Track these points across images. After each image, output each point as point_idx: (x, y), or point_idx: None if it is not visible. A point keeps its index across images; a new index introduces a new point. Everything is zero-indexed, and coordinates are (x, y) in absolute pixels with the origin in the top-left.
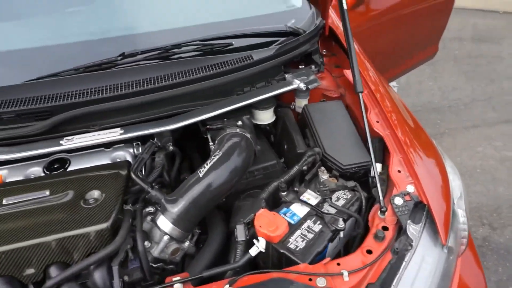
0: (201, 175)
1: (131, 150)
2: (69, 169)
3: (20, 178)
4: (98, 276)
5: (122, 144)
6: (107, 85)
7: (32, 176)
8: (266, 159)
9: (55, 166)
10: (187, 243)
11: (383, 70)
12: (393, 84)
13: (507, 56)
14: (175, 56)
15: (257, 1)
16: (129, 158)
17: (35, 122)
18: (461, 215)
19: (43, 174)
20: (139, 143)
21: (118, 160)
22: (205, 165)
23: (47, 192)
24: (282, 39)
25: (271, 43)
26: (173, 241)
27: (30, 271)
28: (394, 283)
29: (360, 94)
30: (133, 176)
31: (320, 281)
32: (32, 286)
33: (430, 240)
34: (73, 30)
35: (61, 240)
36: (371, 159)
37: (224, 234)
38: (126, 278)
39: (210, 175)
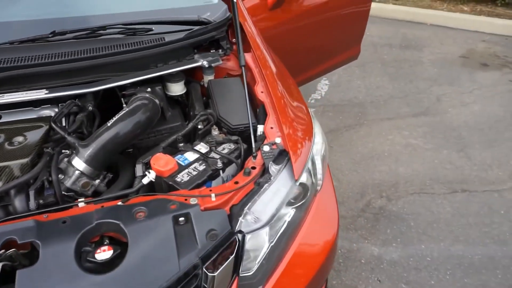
0: (109, 124)
1: (56, 110)
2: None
3: None
4: (17, 199)
5: (49, 105)
6: (37, 54)
7: None
8: (173, 121)
9: None
10: (97, 181)
11: (309, 66)
12: (325, 81)
13: (426, 61)
14: (101, 38)
15: None
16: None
17: None
18: (318, 162)
19: None
20: (63, 104)
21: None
22: (113, 117)
23: None
24: (196, 27)
25: (186, 30)
26: (84, 176)
27: None
28: (249, 204)
29: (243, 68)
30: (52, 124)
31: (193, 200)
32: None
33: (288, 178)
34: (11, 11)
35: None
36: (249, 120)
37: (132, 176)
38: (41, 201)
39: (117, 125)
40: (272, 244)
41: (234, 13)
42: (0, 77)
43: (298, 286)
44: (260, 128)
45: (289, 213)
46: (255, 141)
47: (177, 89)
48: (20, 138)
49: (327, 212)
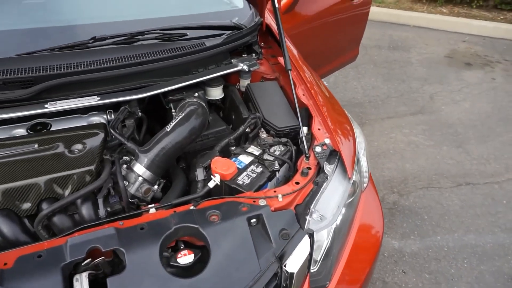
0: (168, 130)
1: (105, 116)
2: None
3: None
4: (85, 208)
5: (97, 112)
6: (82, 61)
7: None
8: (217, 125)
9: (38, 127)
10: (156, 187)
11: (313, 69)
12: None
13: (415, 62)
14: (139, 43)
15: (207, 1)
16: (103, 122)
17: (22, 89)
18: (363, 160)
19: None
20: (112, 110)
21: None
22: (171, 123)
23: (36, 145)
24: (228, 32)
25: (219, 35)
26: (146, 183)
27: (26, 205)
28: (313, 203)
29: (289, 72)
30: (111, 131)
31: (262, 202)
32: (27, 219)
33: (341, 176)
34: (46, 16)
35: (53, 180)
36: (299, 123)
37: (185, 182)
38: (108, 209)
39: (175, 130)
40: (331, 240)
41: (277, 18)
42: (54, 84)
43: (360, 277)
44: (304, 130)
45: (342, 210)
46: (302, 142)
47: (216, 93)
48: (79, 146)
49: (373, 207)
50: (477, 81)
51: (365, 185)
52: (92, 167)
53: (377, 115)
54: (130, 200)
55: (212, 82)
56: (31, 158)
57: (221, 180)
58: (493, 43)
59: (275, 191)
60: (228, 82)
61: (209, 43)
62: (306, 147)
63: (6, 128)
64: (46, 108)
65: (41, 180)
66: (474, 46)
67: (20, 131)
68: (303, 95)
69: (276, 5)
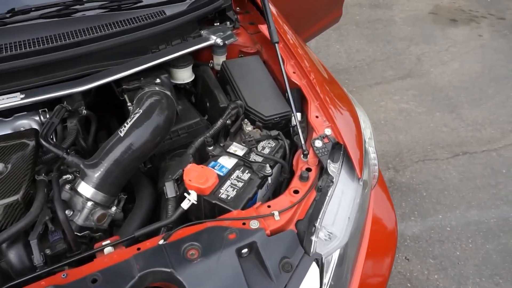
0: (122, 134)
1: (37, 118)
2: None
3: None
4: (13, 254)
5: (25, 112)
6: None
7: None
8: (189, 117)
9: None
10: (113, 209)
11: (296, 32)
12: None
13: (399, 20)
14: (78, 14)
15: None
16: (35, 127)
17: None
18: (372, 152)
19: None
20: (46, 109)
21: (22, 129)
22: (125, 124)
23: None
24: None
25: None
26: (98, 207)
27: None
28: (320, 217)
29: (276, 45)
30: (43, 142)
31: (253, 223)
32: None
33: (348, 175)
34: None
35: None
36: (291, 108)
37: (153, 196)
38: (48, 251)
39: (131, 134)
40: (343, 249)
41: None
42: None
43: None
44: (298, 117)
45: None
46: (296, 133)
47: (185, 75)
48: None
49: (383, 205)
50: (464, 39)
51: (375, 181)
52: (17, 197)
53: (364, 81)
54: (79, 234)
55: (178, 62)
56: None
57: (198, 195)
58: None
59: (269, 206)
60: (198, 60)
61: (170, 11)
62: (303, 140)
63: None
64: None
65: None
66: (458, 1)
67: None
68: (294, 72)
69: None
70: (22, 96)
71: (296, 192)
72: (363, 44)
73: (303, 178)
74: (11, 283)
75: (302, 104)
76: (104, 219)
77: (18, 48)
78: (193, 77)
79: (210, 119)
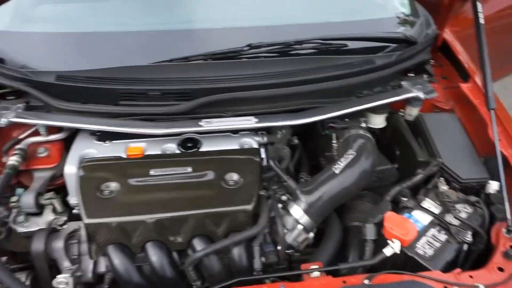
0: (336, 171)
1: (257, 138)
2: (201, 149)
3: (158, 152)
4: (238, 254)
5: (248, 132)
6: (237, 74)
7: (168, 152)
8: (379, 162)
9: (189, 145)
10: (311, 234)
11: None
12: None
13: None
14: (293, 52)
15: (367, 5)
16: (255, 146)
17: (178, 102)
18: None
19: (177, 151)
20: (264, 132)
21: (246, 146)
22: (339, 162)
23: (189, 169)
24: (395, 45)
25: (383, 48)
26: (304, 231)
27: (178, 239)
28: None
29: (492, 111)
30: (272, 164)
31: None
32: (176, 253)
33: None
34: (199, 16)
35: (208, 215)
36: (500, 176)
37: (341, 229)
38: (263, 259)
39: (345, 172)
40: None
41: (480, 39)
42: (211, 100)
43: None
44: (494, 186)
45: None
46: (493, 203)
47: (378, 121)
48: (234, 176)
49: None
50: None
51: None
52: (249, 207)
53: None
54: (286, 251)
55: (377, 108)
56: (184, 184)
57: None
58: None
59: (471, 277)
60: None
61: (378, 61)
62: (509, 214)
63: (159, 140)
64: (201, 126)
65: (195, 214)
66: None
67: (171, 146)
68: (499, 140)
69: (481, 21)
70: (256, 120)
71: (500, 269)
72: None
73: (509, 257)
74: (243, 279)
75: (506, 175)
76: (304, 242)
77: (254, 80)
78: (385, 124)
79: (400, 169)
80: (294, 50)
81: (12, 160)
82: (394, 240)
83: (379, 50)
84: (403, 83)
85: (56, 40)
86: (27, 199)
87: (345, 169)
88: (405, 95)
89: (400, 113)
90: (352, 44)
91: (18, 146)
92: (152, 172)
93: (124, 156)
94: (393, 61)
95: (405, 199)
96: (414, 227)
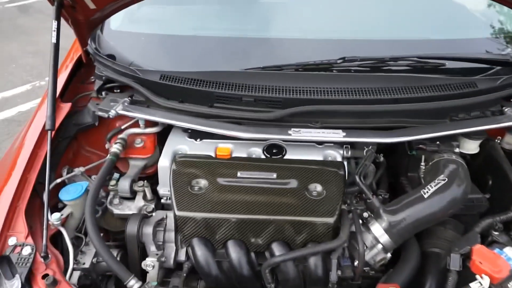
0: (425, 195)
1: (341, 152)
2: (285, 157)
3: (243, 154)
4: (313, 263)
5: (332, 144)
6: (328, 87)
7: (254, 155)
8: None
9: (274, 150)
10: (389, 255)
11: None
12: None
13: None
14: (386, 68)
15: (468, 22)
16: (339, 159)
17: (270, 109)
18: None
19: (262, 156)
20: (349, 146)
21: (330, 158)
22: (429, 186)
23: (274, 175)
24: (498, 68)
25: (484, 70)
26: (383, 250)
27: (258, 241)
28: None
29: None
30: (358, 181)
31: None
32: (254, 254)
33: None
34: (292, 26)
35: (290, 223)
36: None
37: (420, 253)
38: (339, 273)
39: (434, 198)
40: None
41: None
42: (303, 111)
43: None
44: None
45: None
46: None
47: (472, 147)
48: (318, 187)
49: None
50: None
51: None
52: (331, 220)
53: None
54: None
55: (472, 133)
56: (269, 189)
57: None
58: None
59: None
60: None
61: (480, 84)
62: None
63: (244, 144)
64: (290, 135)
65: (277, 220)
66: None
67: (257, 150)
68: None
69: None
70: (344, 134)
71: None
72: None
73: None
74: None
75: None
76: (381, 262)
77: (346, 94)
78: (478, 150)
79: (493, 200)
80: (387, 66)
81: (115, 148)
82: (483, 276)
83: (480, 72)
84: (507, 109)
85: (161, 41)
86: (124, 184)
87: (434, 194)
88: (507, 123)
89: (497, 140)
90: (449, 64)
91: (120, 136)
92: (239, 174)
93: (212, 154)
94: (498, 86)
95: (496, 233)
96: (507, 265)
